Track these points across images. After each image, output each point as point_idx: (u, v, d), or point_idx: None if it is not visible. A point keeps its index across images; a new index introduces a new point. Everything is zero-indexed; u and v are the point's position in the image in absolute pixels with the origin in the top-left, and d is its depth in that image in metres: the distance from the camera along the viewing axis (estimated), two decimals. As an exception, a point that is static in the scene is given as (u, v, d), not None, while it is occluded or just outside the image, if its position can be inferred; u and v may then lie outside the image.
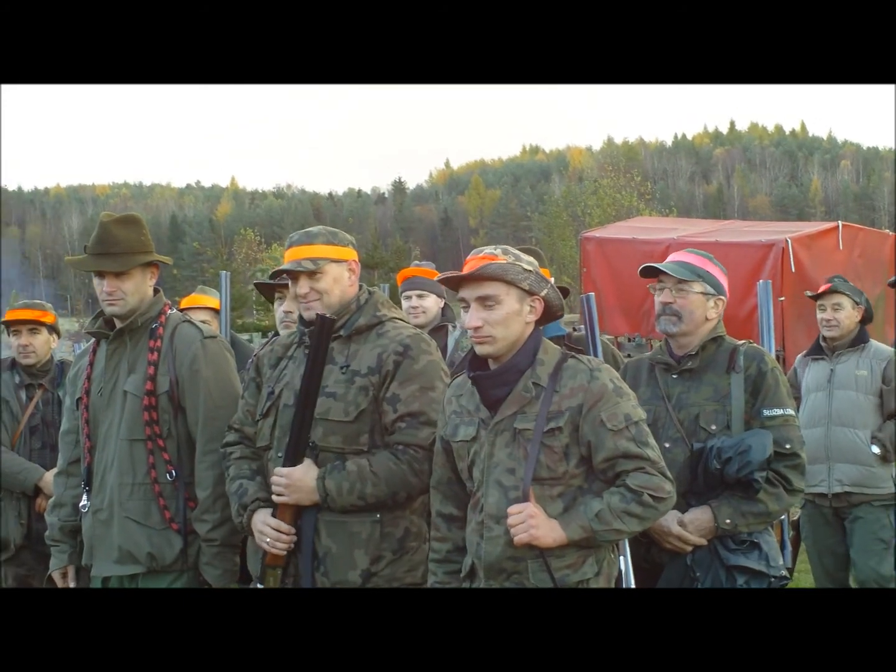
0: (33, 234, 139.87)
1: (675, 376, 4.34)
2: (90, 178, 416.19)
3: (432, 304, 6.41)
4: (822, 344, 6.76)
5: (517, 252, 3.77)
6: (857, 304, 6.69)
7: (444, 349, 6.14)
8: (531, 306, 3.73)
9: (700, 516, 4.13)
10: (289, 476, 4.05)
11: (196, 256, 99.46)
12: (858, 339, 6.68)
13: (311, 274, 4.17)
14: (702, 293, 4.27)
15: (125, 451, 4.48)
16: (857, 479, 6.45)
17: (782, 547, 4.38)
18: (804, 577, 7.26)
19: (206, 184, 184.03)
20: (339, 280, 4.22)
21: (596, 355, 4.42)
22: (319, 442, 4.09)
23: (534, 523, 3.55)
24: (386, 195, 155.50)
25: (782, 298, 15.42)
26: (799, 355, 6.98)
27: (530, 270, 3.70)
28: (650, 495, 3.60)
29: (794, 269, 15.46)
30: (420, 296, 6.39)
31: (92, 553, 4.55)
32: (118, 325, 4.57)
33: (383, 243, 40.21)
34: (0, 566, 6.21)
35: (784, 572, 4.18)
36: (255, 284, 5.96)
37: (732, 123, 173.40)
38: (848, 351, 6.65)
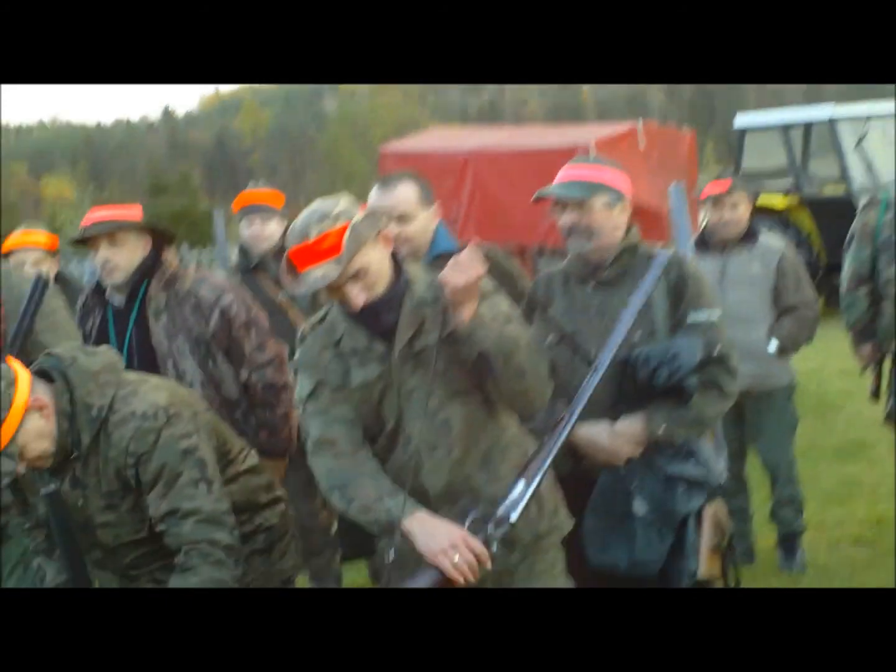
0: None
1: (592, 288, 4.13)
2: None
3: (275, 228, 6.12)
4: (710, 239, 6.49)
5: (327, 213, 3.41)
6: (749, 196, 6.47)
7: None
8: (383, 245, 3.50)
9: (632, 425, 3.95)
10: None
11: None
12: (749, 234, 6.46)
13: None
14: (605, 204, 4.04)
15: None
16: (757, 374, 6.28)
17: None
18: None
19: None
20: (42, 434, 3.60)
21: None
22: None
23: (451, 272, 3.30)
24: (156, 124, 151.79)
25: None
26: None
27: (363, 217, 3.42)
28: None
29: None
30: (262, 220, 6.08)
31: None
32: None
33: (164, 171, 39.03)
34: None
35: (723, 479, 4.07)
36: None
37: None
38: (739, 246, 6.43)
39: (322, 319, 3.66)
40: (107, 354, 3.81)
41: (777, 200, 15.35)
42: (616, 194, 4.06)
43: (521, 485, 3.43)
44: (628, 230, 4.11)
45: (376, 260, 3.44)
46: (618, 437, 3.95)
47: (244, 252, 6.18)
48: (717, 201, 6.36)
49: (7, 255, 5.99)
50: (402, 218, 4.24)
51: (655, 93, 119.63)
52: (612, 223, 4.06)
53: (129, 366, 4.62)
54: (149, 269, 4.78)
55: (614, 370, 3.91)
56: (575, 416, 3.60)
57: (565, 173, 4.12)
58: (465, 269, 3.27)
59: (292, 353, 5.86)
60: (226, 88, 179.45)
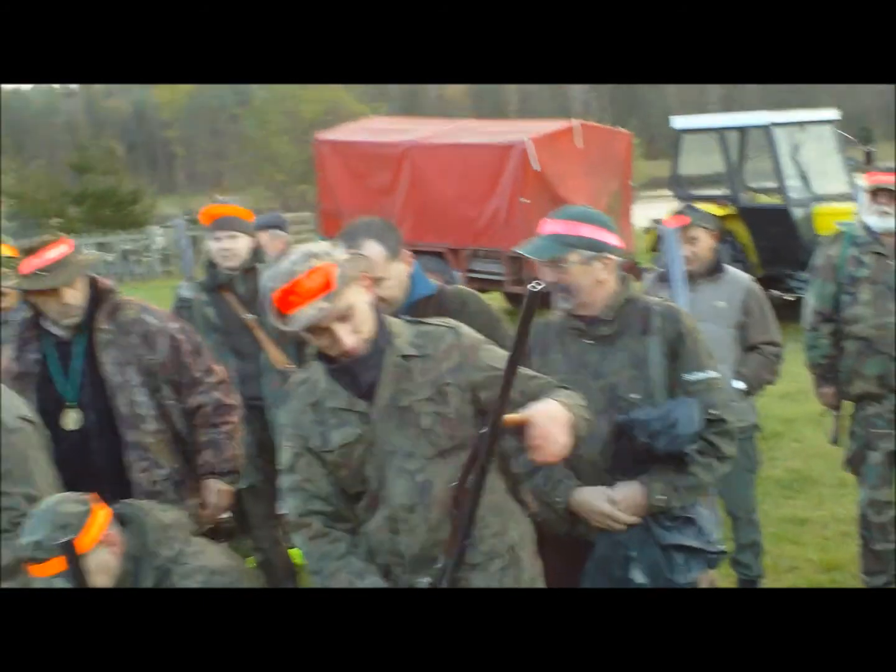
0: None
1: (588, 342, 3.97)
2: None
3: (244, 245, 5.95)
4: None
5: (310, 255, 3.31)
6: (710, 230, 6.31)
7: (254, 292, 5.80)
8: (365, 291, 3.41)
9: (631, 493, 3.82)
10: None
11: None
12: (715, 268, 6.27)
13: None
14: (580, 262, 3.88)
15: None
16: None
17: None
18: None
19: None
20: (106, 568, 3.67)
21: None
22: None
23: (548, 441, 3.15)
24: (76, 89, 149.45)
25: (526, 200, 15.50)
26: (650, 276, 6.61)
27: (345, 257, 3.35)
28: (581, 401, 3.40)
29: (537, 169, 15.52)
30: (232, 237, 5.91)
31: None
32: None
33: (87, 146, 38.27)
34: None
35: (722, 546, 3.97)
36: None
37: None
38: (705, 280, 6.18)
39: (304, 380, 3.55)
40: (178, 513, 3.93)
41: (713, 209, 15.46)
42: (595, 248, 3.91)
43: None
44: (623, 282, 4.00)
45: (362, 302, 3.36)
46: (615, 504, 3.83)
47: (212, 268, 6.05)
48: None
49: None
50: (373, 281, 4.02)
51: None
52: (591, 279, 3.90)
53: (80, 400, 4.57)
54: (94, 299, 4.67)
55: (612, 433, 3.83)
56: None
57: (542, 228, 3.98)
58: (550, 434, 3.16)
59: (259, 374, 5.86)
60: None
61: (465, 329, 3.51)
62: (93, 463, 4.52)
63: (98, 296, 4.68)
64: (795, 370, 6.75)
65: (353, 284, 3.33)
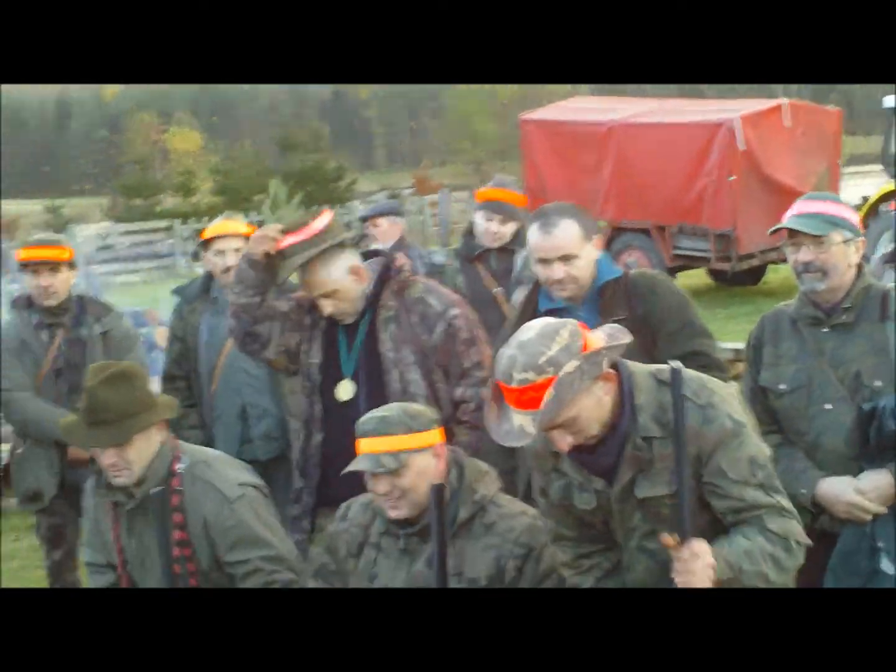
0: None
1: (825, 330, 3.92)
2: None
3: (510, 229, 6.18)
4: None
5: (545, 351, 3.02)
6: None
7: (507, 271, 6.09)
8: (602, 384, 3.13)
9: (880, 482, 3.76)
10: None
11: (84, 138, 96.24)
12: None
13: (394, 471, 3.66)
14: (843, 242, 3.85)
15: None
16: None
17: None
18: None
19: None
20: (425, 473, 3.67)
21: None
22: None
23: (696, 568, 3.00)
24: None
25: (733, 178, 15.42)
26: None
27: (572, 369, 2.98)
28: (795, 541, 3.14)
29: (744, 147, 15.41)
30: (502, 221, 6.15)
31: None
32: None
33: (291, 125, 39.18)
34: (35, 517, 6.03)
35: None
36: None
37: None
38: None
39: None
40: (490, 468, 3.99)
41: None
42: (854, 231, 3.89)
43: None
44: (861, 269, 3.94)
45: (589, 407, 3.08)
46: (864, 493, 3.76)
47: (469, 238, 6.31)
48: None
49: (207, 242, 5.86)
50: (567, 258, 4.03)
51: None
52: (846, 261, 3.85)
53: (355, 375, 4.62)
54: (382, 275, 4.68)
55: (856, 421, 3.79)
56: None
57: (802, 206, 3.96)
58: (691, 568, 3.00)
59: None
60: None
61: (719, 412, 3.17)
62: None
63: (388, 273, 4.70)
64: None
65: (580, 395, 3.04)
